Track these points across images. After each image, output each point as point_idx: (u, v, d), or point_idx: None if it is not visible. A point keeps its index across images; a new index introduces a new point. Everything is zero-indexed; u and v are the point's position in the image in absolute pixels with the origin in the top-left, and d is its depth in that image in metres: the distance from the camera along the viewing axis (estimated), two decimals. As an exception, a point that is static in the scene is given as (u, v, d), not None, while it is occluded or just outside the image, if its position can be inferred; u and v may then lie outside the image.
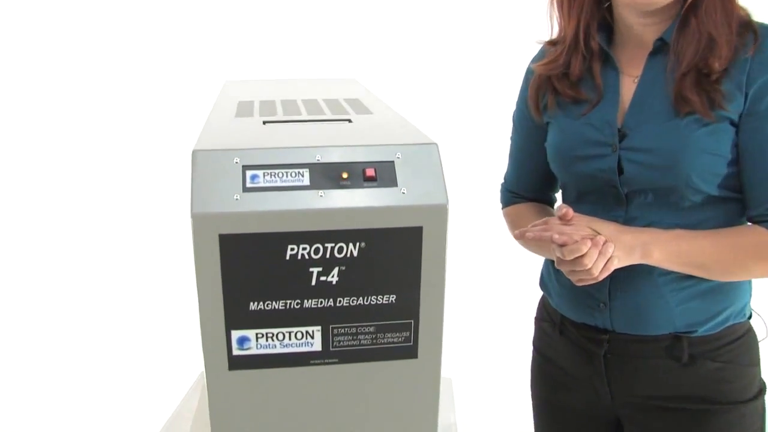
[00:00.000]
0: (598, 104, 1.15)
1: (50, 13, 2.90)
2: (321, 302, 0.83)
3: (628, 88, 1.14)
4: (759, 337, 1.20)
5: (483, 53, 2.95)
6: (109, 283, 3.01)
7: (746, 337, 1.18)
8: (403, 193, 0.81)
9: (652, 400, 1.18)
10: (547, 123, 1.23)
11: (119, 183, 3.02)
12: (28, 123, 3.01)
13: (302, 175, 0.81)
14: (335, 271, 0.82)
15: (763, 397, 1.19)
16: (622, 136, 1.11)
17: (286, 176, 0.81)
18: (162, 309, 2.88)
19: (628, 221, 1.13)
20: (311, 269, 0.81)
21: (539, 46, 1.28)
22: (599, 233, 1.05)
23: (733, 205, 1.11)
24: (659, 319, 1.14)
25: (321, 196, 0.80)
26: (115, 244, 3.05)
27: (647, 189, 1.11)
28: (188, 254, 0.80)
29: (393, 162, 0.82)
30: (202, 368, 0.86)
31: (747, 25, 1.06)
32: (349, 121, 0.98)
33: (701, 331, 1.14)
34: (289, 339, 0.84)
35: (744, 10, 1.08)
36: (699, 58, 1.05)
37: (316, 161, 0.81)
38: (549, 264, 1.29)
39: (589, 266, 1.02)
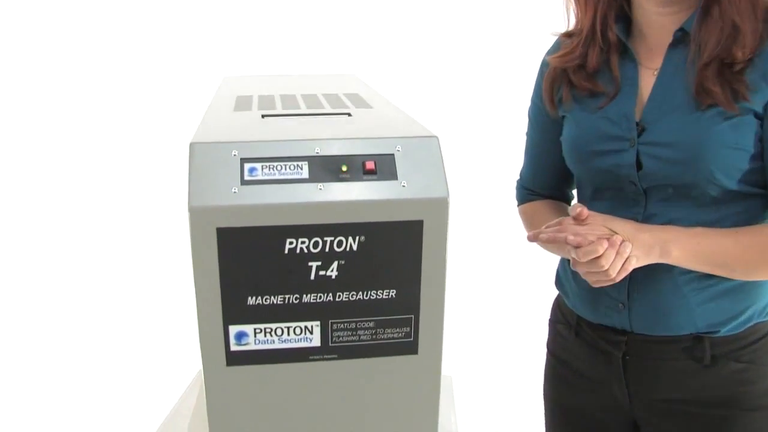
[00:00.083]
0: (615, 97, 1.12)
1: (47, 8, 2.89)
2: (320, 297, 0.82)
3: (646, 80, 1.11)
4: None
5: (483, 48, 2.95)
6: (105, 279, 3.00)
7: None
8: (404, 186, 0.80)
9: (673, 402, 1.15)
10: (563, 117, 1.20)
11: (115, 177, 3.02)
12: (27, 121, 3.00)
13: (301, 168, 0.80)
14: (334, 265, 0.81)
15: None
16: (641, 130, 1.08)
17: (285, 169, 0.79)
18: (159, 304, 2.87)
19: (646, 218, 1.10)
20: (310, 263, 0.80)
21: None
22: (616, 232, 1.02)
23: (756, 200, 1.08)
24: (680, 319, 1.11)
25: (320, 189, 0.79)
26: (110, 239, 3.04)
27: (667, 185, 1.07)
28: (185, 248, 0.79)
29: (393, 155, 0.81)
30: (201, 365, 0.85)
31: None
32: (349, 114, 0.97)
33: (724, 331, 1.11)
34: (288, 334, 0.83)
35: None
36: (722, 48, 1.01)
37: (315, 154, 0.80)
38: (565, 263, 1.26)
39: (606, 267, 1.00)
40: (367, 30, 2.95)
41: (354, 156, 0.81)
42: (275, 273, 0.80)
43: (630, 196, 1.11)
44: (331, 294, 0.82)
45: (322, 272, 0.81)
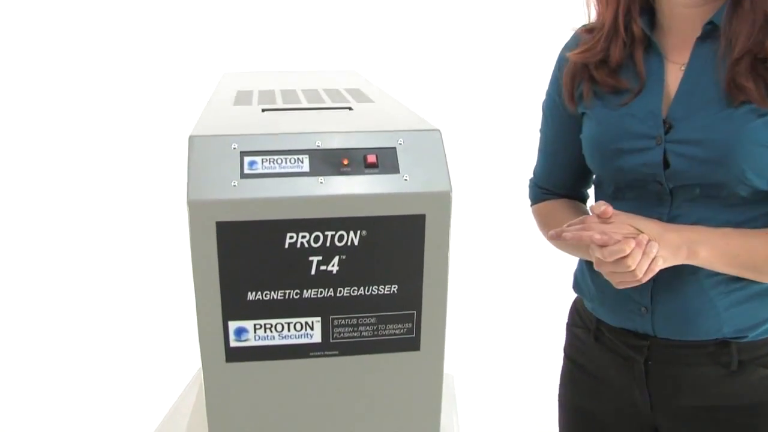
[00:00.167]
0: (640, 93, 1.08)
1: (46, 6, 2.89)
2: (321, 292, 0.81)
3: (673, 75, 1.07)
4: None
5: (485, 43, 2.94)
6: (103, 274, 2.99)
7: None
8: (406, 180, 0.79)
9: (697, 410, 1.12)
10: (582, 114, 1.17)
11: (114, 172, 3.01)
12: (25, 117, 2.99)
13: (302, 162, 0.79)
14: (335, 260, 0.80)
15: None
16: (668, 128, 1.05)
17: (285, 162, 0.78)
18: (157, 299, 2.86)
19: (671, 219, 1.06)
20: (311, 258, 0.79)
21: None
22: (642, 232, 0.99)
23: None
24: (706, 324, 1.08)
25: (321, 182, 0.78)
26: (108, 233, 3.03)
27: (695, 184, 1.04)
28: (184, 243, 0.78)
29: (395, 148, 0.80)
30: (200, 363, 0.84)
31: None
32: (350, 108, 0.96)
33: (751, 336, 1.08)
34: (288, 330, 0.82)
35: None
36: (754, 41, 0.97)
37: (315, 147, 0.79)
38: (584, 265, 1.23)
39: (633, 267, 0.96)
40: (370, 25, 2.94)
41: (355, 149, 0.80)
42: (275, 268, 0.79)
43: (654, 196, 1.08)
44: (332, 289, 0.81)
45: (322, 267, 0.80)
